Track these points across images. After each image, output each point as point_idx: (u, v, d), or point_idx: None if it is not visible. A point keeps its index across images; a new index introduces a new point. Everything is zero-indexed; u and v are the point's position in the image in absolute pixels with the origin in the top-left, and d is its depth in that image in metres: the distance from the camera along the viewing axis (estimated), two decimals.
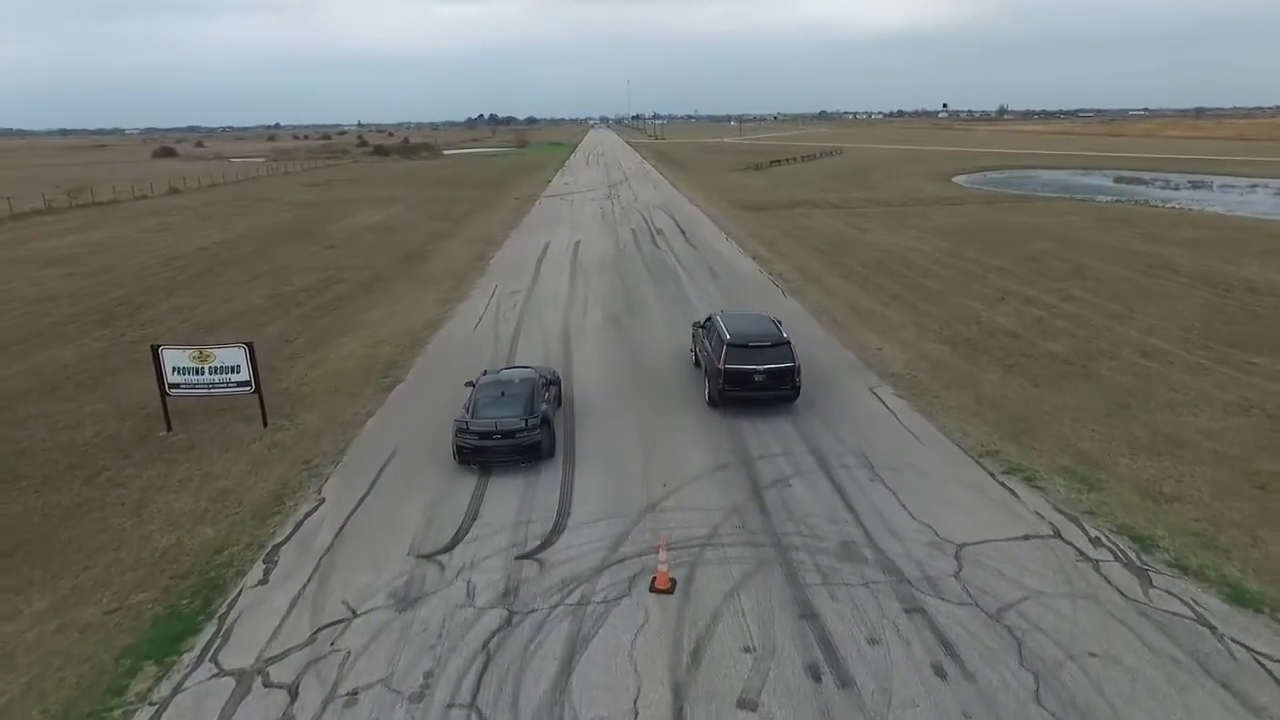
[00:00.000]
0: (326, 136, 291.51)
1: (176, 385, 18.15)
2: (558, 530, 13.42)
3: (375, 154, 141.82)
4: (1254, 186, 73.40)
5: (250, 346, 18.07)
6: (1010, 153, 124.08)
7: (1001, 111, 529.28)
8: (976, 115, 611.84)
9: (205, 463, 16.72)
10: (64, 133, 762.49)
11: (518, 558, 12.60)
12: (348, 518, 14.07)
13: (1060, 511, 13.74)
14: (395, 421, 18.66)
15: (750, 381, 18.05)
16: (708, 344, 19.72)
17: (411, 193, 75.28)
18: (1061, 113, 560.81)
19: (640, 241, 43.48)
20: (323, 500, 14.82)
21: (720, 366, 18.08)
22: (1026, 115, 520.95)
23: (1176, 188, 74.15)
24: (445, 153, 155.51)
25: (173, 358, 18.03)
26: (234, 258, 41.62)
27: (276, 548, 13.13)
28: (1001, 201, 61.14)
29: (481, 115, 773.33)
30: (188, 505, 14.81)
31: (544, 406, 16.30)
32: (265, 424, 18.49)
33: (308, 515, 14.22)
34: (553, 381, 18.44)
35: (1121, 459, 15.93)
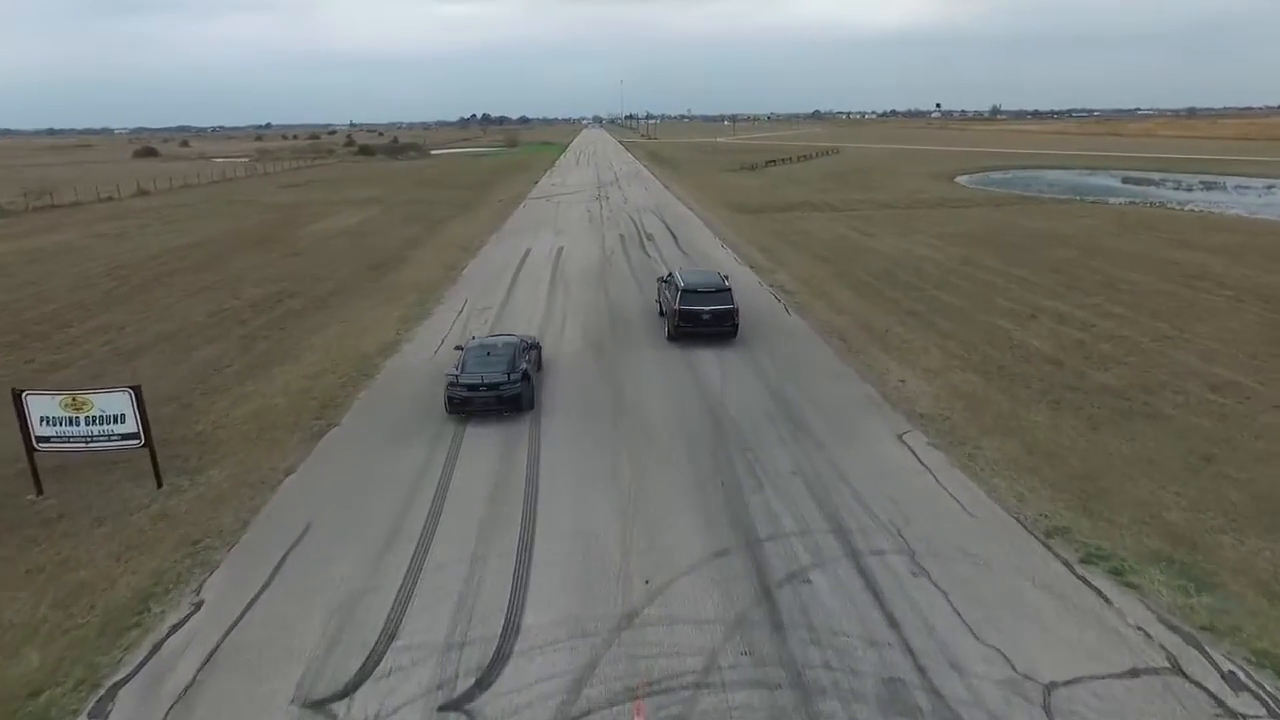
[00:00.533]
0: (315, 136, 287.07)
1: (46, 439, 14.62)
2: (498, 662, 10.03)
3: (361, 154, 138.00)
4: (1270, 187, 70.30)
5: (136, 391, 14.55)
6: (1010, 152, 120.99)
7: (995, 111, 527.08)
8: (969, 115, 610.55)
9: (68, 542, 13.20)
10: (51, 132, 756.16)
11: (440, 709, 9.18)
12: (225, 634, 10.57)
13: (1170, 626, 10.33)
14: (318, 481, 15.18)
15: (699, 319, 22.71)
16: (667, 293, 24.56)
17: (391, 194, 71.66)
18: (1055, 112, 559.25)
19: (628, 248, 40.01)
20: (200, 604, 11.32)
21: (676, 308, 22.88)
22: (1020, 115, 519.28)
23: (1189, 189, 71.00)
24: (433, 153, 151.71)
25: (40, 405, 14.50)
26: (185, 266, 38.00)
27: (115, 689, 9.61)
28: (1010, 203, 57.84)
29: (474, 115, 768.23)
30: (23, 612, 11.28)
31: (525, 366, 18.41)
32: (159, 484, 14.98)
33: (173, 630, 10.72)
34: (533, 346, 20.55)
35: (1224, 537, 12.56)
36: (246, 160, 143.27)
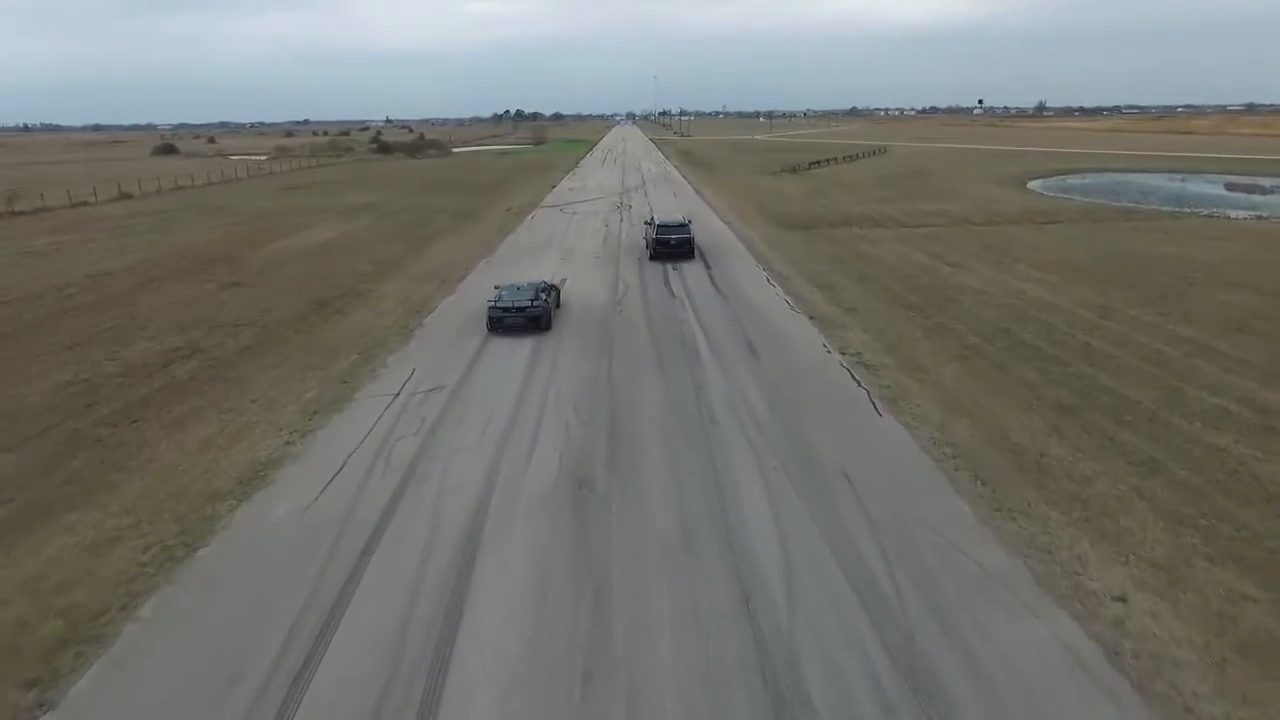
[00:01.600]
0: (345, 133, 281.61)
1: None
2: None
3: (380, 152, 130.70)
4: None
5: None
6: (1076, 152, 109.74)
7: (1040, 108, 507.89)
8: (1013, 112, 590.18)
9: None
10: (97, 128, 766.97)
11: None
12: None
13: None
14: None
15: (669, 244, 35.11)
16: (651, 230, 36.81)
17: (390, 199, 63.56)
18: (1102, 109, 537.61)
19: (648, 283, 31.11)
20: None
21: (654, 238, 35.67)
22: (1067, 111, 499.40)
23: None
24: (456, 150, 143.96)
25: None
26: (86, 303, 29.89)
27: None
28: (1111, 218, 47.85)
29: (507, 111, 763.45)
30: None
31: (544, 297, 24.81)
32: None
33: None
34: (552, 287, 26.74)
35: None
36: (264, 158, 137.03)
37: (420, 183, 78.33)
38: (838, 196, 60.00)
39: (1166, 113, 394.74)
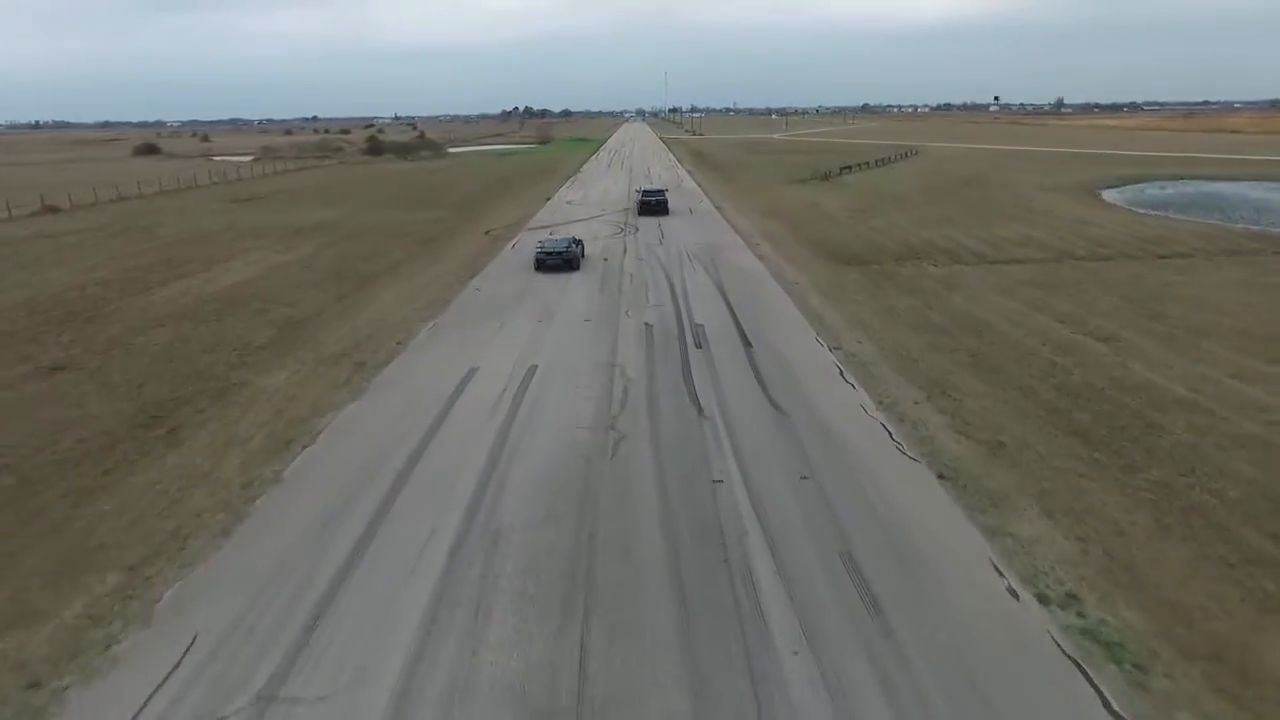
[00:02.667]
0: (345, 131, 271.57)
1: None
2: None
3: (370, 153, 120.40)
4: None
5: None
6: (1132, 155, 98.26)
7: (1059, 104, 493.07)
8: (1029, 109, 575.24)
9: None
10: (106, 125, 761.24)
11: None
12: None
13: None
14: None
15: (650, 205, 49.62)
16: (638, 195, 52.52)
17: (352, 215, 53.16)
18: (1122, 105, 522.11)
19: (657, 374, 20.41)
20: None
21: (639, 201, 50.79)
22: (1087, 108, 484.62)
23: None
24: (451, 151, 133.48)
25: None
26: None
27: None
28: (1248, 249, 36.90)
29: (516, 108, 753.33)
30: None
31: (575, 248, 34.07)
32: None
33: None
34: (578, 241, 35.53)
35: None
36: (248, 159, 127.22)
37: (396, 193, 67.89)
38: (889, 214, 49.20)
39: (1192, 110, 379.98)
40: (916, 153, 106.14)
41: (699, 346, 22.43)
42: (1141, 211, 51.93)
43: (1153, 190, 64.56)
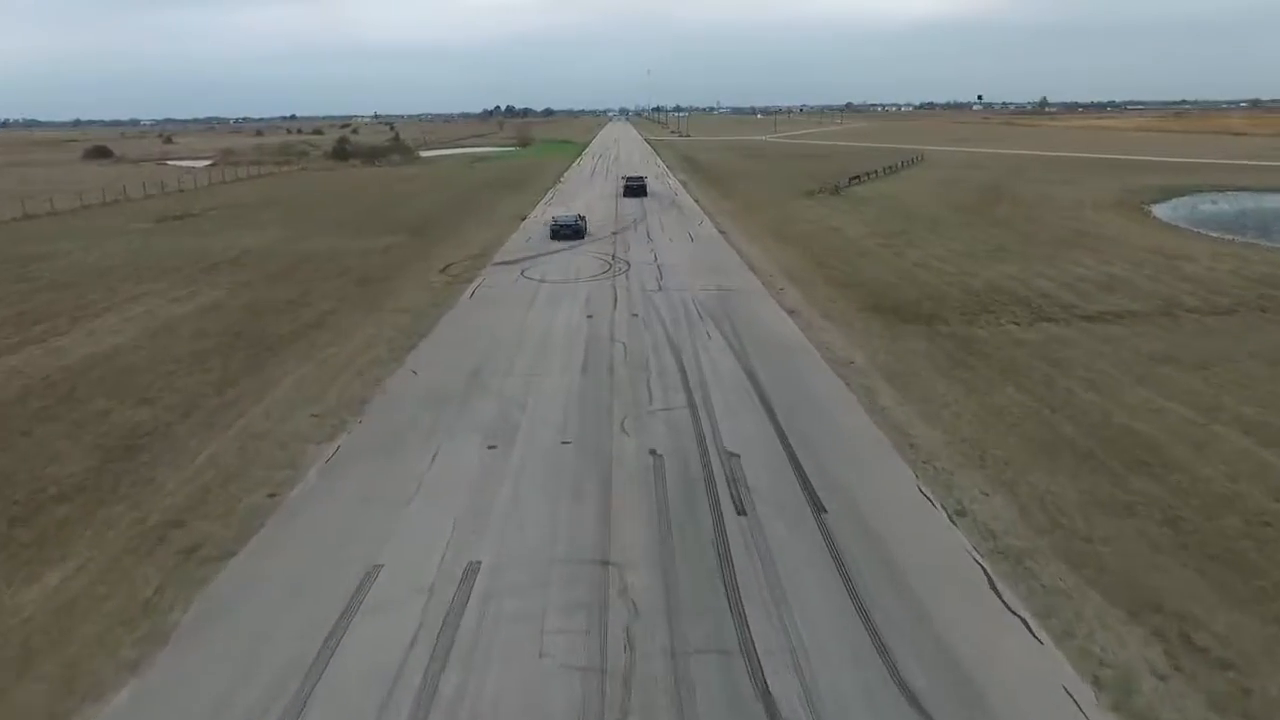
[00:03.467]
0: (318, 131, 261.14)
1: None
2: None
3: (336, 158, 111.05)
4: None
5: None
6: (1155, 161, 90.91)
7: (1043, 104, 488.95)
8: (1011, 108, 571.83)
9: None
10: (78, 123, 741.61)
11: None
12: None
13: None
14: None
15: (631, 188, 62.40)
16: (624, 180, 65.79)
17: (289, 241, 44.44)
18: (1107, 104, 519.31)
19: (684, 626, 11.57)
20: None
21: (624, 184, 63.94)
22: (1070, 108, 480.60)
23: None
24: (425, 155, 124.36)
25: None
26: None
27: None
28: None
29: (498, 107, 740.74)
30: None
31: (582, 222, 43.98)
32: None
33: None
34: (582, 217, 45.43)
35: None
36: (205, 164, 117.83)
37: (351, 209, 59.06)
38: (926, 241, 41.12)
39: (1179, 110, 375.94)
40: (922, 158, 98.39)
41: (741, 513, 14.00)
42: (1215, 235, 44.14)
43: (1206, 206, 56.99)
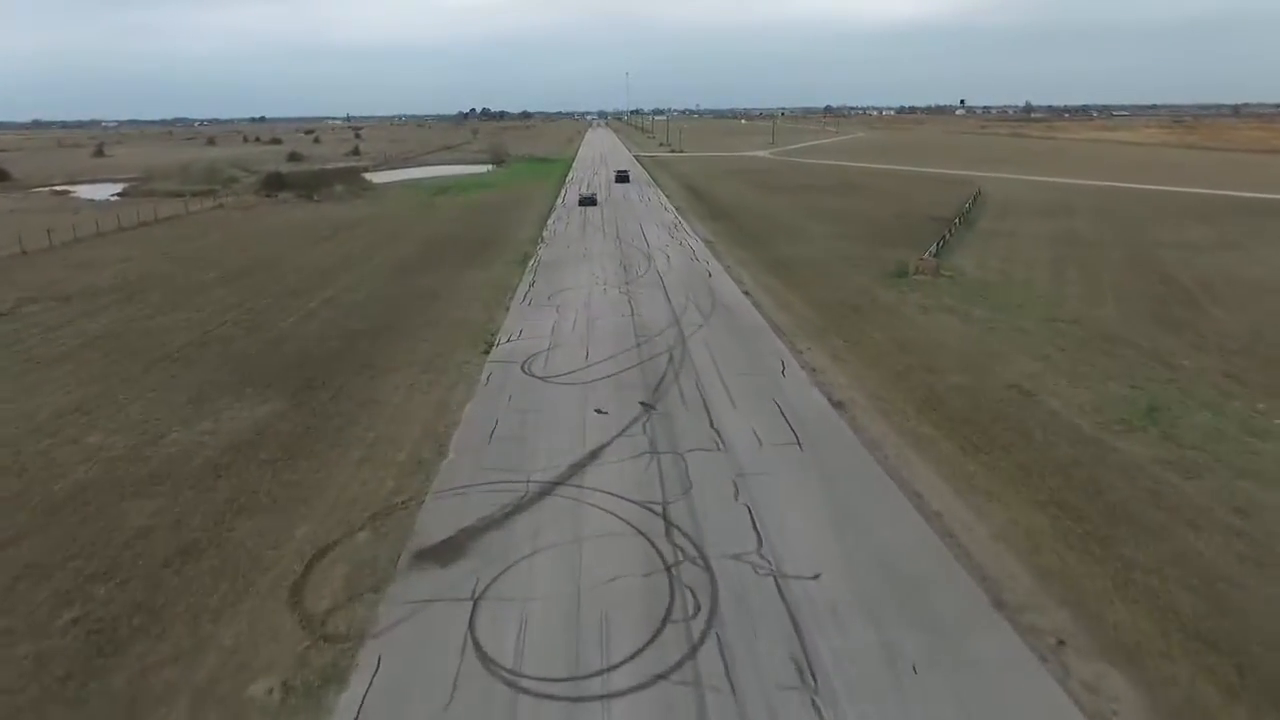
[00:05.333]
0: (276, 141, 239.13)
1: None
2: None
3: (268, 189, 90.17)
4: None
5: None
6: (1226, 196, 73.23)
7: (1028, 108, 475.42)
8: (993, 112, 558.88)
9: None
10: (37, 124, 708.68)
11: None
12: None
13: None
14: None
15: (619, 177, 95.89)
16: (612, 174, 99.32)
17: (97, 419, 24.54)
18: (1092, 109, 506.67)
19: None
20: None
21: (614, 177, 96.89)
22: (1056, 113, 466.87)
23: None
24: (379, 179, 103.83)
25: None
26: None
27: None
28: None
29: (474, 109, 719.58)
30: None
31: (596, 196, 76.27)
32: None
33: None
34: (596, 192, 79.20)
35: None
36: (112, 194, 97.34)
37: (225, 312, 38.98)
38: (1187, 410, 22.20)
39: (1172, 116, 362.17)
40: (980, 194, 79.93)
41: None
42: None
43: None
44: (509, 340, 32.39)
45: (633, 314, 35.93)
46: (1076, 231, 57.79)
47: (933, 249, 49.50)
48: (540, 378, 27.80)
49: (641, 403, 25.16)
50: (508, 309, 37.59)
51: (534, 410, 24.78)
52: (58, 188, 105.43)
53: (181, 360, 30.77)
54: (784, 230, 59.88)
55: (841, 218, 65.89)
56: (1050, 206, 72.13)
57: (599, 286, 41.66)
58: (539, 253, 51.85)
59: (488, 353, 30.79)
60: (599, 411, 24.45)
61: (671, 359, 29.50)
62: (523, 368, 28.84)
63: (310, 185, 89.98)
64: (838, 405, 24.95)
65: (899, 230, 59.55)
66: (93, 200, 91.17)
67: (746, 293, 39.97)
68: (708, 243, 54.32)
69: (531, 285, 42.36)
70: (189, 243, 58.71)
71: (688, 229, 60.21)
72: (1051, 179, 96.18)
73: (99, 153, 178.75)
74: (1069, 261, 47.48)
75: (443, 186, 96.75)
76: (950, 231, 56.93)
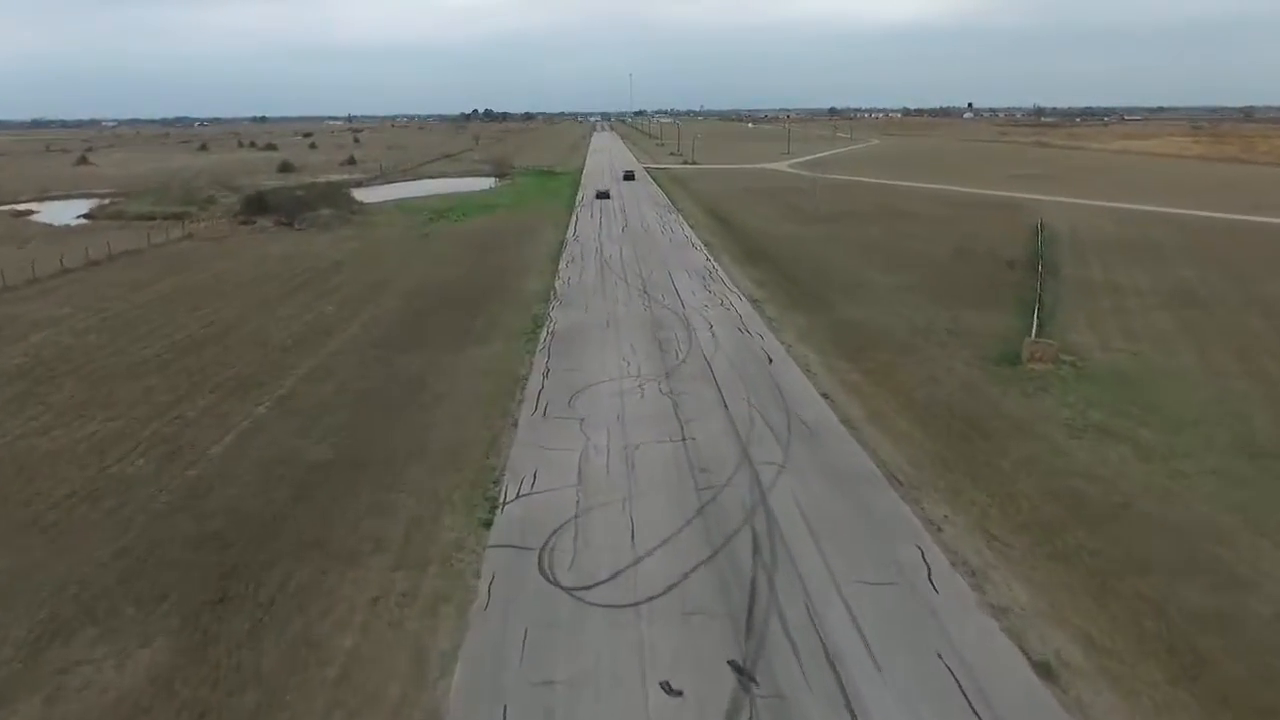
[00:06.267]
0: (270, 148, 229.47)
1: None
2: None
3: (247, 213, 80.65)
4: None
5: None
6: None
7: (1038, 112, 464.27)
8: (1000, 115, 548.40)
9: None
10: (36, 124, 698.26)
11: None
12: None
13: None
14: None
15: (626, 175, 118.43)
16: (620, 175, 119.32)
17: None
18: (1102, 111, 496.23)
19: None
20: None
21: (621, 176, 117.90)
22: (1065, 116, 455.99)
23: None
24: (371, 198, 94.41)
25: None
26: None
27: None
28: None
29: (476, 110, 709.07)
30: None
31: (609, 189, 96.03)
32: None
33: None
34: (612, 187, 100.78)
35: None
36: (77, 217, 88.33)
37: (122, 465, 29.58)
38: None
39: (1194, 122, 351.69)
40: (1042, 226, 70.58)
41: None
42: None
43: None
44: (519, 494, 23.03)
45: (684, 437, 26.61)
46: (1187, 285, 48.43)
47: (1033, 319, 40.18)
48: (569, 589, 18.47)
49: (732, 665, 15.85)
50: (516, 423, 28.23)
51: (565, 682, 15.47)
52: (20, 207, 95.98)
53: (50, 533, 21.44)
54: (838, 280, 50.53)
55: (898, 260, 56.57)
56: (1131, 244, 62.73)
57: (631, 379, 32.35)
58: (551, 315, 42.57)
59: (489, 524, 21.47)
60: (668, 691, 15.16)
61: (756, 546, 20.13)
62: (541, 564, 19.51)
63: (294, 209, 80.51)
64: (1046, 674, 15.62)
65: (972, 280, 50.29)
66: (51, 225, 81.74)
67: (825, 394, 30.61)
68: (754, 302, 45.00)
69: (545, 376, 33.02)
70: (138, 294, 49.36)
71: (725, 279, 50.86)
72: (1108, 203, 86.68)
73: (82, 161, 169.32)
74: (1207, 335, 38.14)
75: (439, 209, 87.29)
76: (1039, 286, 47.64)
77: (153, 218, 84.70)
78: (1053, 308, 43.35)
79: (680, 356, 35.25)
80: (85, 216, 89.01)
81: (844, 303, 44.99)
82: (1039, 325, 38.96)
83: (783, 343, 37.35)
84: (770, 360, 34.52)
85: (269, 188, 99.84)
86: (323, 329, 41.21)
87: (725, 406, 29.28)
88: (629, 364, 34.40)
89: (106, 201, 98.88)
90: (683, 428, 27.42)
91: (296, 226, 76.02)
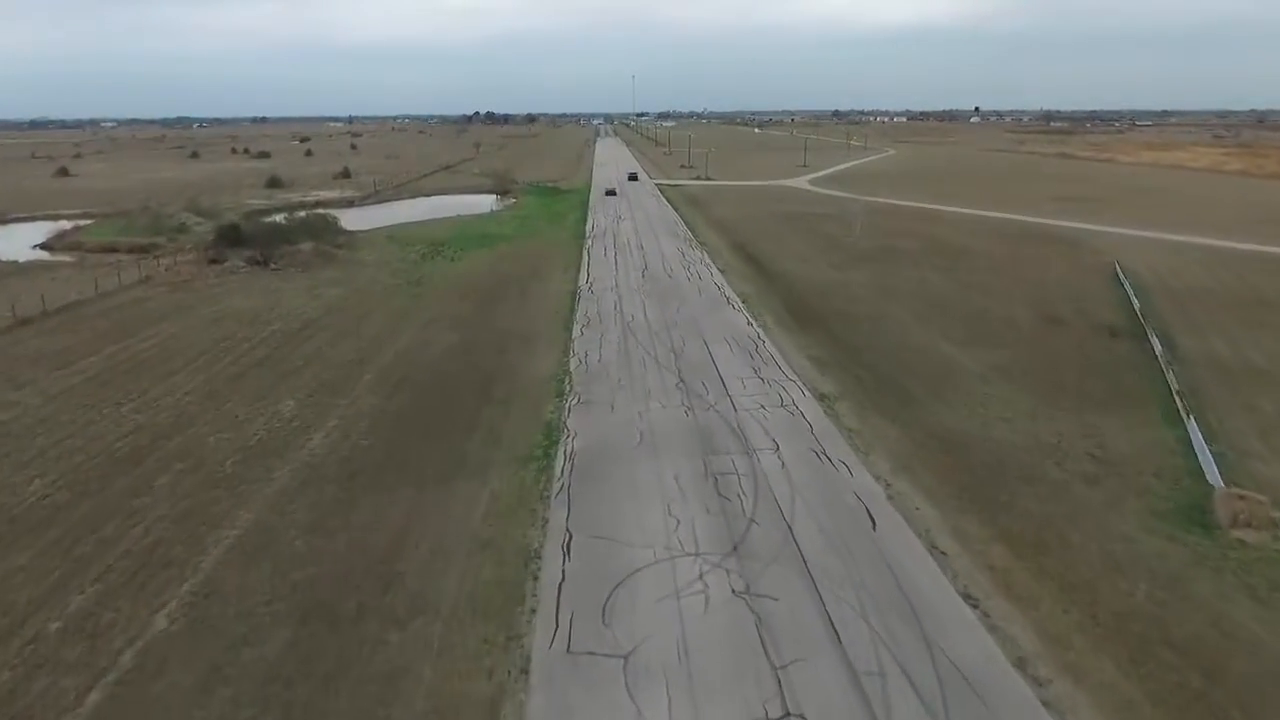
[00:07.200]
0: (263, 155, 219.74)
1: None
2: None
3: (221, 247, 71.15)
4: None
5: None
6: None
7: (1048, 117, 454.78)
8: (1007, 119, 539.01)
9: None
10: (34, 124, 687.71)
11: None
12: None
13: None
14: None
15: (628, 177, 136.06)
16: (625, 177, 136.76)
17: None
18: (1109, 114, 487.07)
19: None
20: None
21: (625, 177, 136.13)
22: (1075, 121, 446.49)
23: None
24: (359, 226, 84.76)
25: None
26: None
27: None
28: None
29: (477, 112, 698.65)
30: None
31: (616, 188, 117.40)
32: None
33: None
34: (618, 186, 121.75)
35: None
36: (26, 254, 79.05)
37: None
38: None
39: (1179, 120, 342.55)
40: (1125, 273, 61.18)
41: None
42: None
43: None
44: None
45: (786, 713, 17.17)
46: None
47: (1186, 430, 30.72)
48: None
49: None
50: (526, 669, 18.75)
51: None
52: None
53: None
54: (914, 359, 41.01)
55: (975, 324, 47.14)
56: (1238, 299, 53.25)
57: (686, 558, 22.84)
58: (567, 424, 32.98)
59: None
60: None
61: None
62: None
63: (271, 242, 70.93)
64: None
65: (1075, 358, 40.90)
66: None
67: (969, 597, 21.08)
68: (822, 399, 35.47)
69: (566, 553, 23.47)
70: (58, 376, 39.77)
71: (777, 357, 41.31)
72: (1177, 236, 77.09)
73: (63, 172, 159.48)
74: None
75: (435, 241, 77.70)
76: (1167, 371, 38.20)
77: (115, 250, 75.54)
78: (1199, 409, 33.91)
79: (747, 510, 25.73)
80: (42, 246, 79.50)
81: (931, 399, 35.51)
82: (1208, 449, 29.49)
83: (878, 478, 27.87)
84: (874, 523, 24.99)
85: (249, 211, 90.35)
86: (275, 442, 31.70)
87: (833, 630, 19.80)
88: (679, 523, 24.89)
89: (69, 226, 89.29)
90: (780, 684, 17.97)
91: (271, 266, 66.47)
